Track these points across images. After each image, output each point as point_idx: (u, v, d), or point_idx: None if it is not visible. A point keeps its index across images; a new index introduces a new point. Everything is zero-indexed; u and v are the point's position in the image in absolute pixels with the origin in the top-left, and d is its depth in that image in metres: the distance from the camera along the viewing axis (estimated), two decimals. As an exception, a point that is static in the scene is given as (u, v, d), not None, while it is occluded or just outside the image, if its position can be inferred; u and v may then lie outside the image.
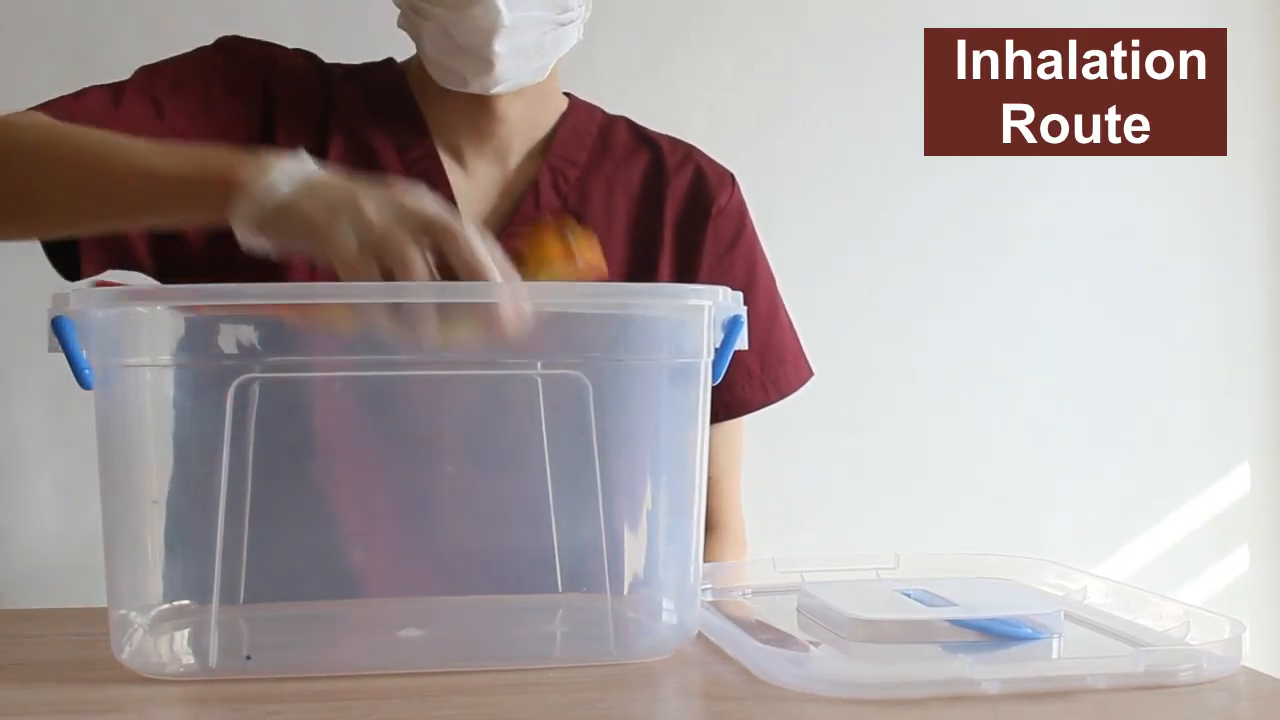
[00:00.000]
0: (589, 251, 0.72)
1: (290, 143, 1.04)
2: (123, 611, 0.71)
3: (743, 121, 1.73)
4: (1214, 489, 1.86)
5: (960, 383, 1.79)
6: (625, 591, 0.74)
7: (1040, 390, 1.81)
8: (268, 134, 1.04)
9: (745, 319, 0.73)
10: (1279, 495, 1.87)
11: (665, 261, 1.11)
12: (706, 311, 0.72)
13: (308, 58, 1.11)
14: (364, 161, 1.06)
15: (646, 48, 1.70)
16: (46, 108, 0.97)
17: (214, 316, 0.68)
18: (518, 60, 1.00)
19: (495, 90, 1.02)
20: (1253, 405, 1.87)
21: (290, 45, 1.13)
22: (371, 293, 0.68)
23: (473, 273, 0.69)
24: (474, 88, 1.02)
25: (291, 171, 0.74)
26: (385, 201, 0.71)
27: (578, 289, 0.76)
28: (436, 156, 1.07)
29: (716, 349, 0.73)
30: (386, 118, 1.08)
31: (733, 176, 1.16)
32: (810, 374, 1.19)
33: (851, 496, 1.76)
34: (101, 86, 1.01)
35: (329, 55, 1.16)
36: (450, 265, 0.69)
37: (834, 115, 1.76)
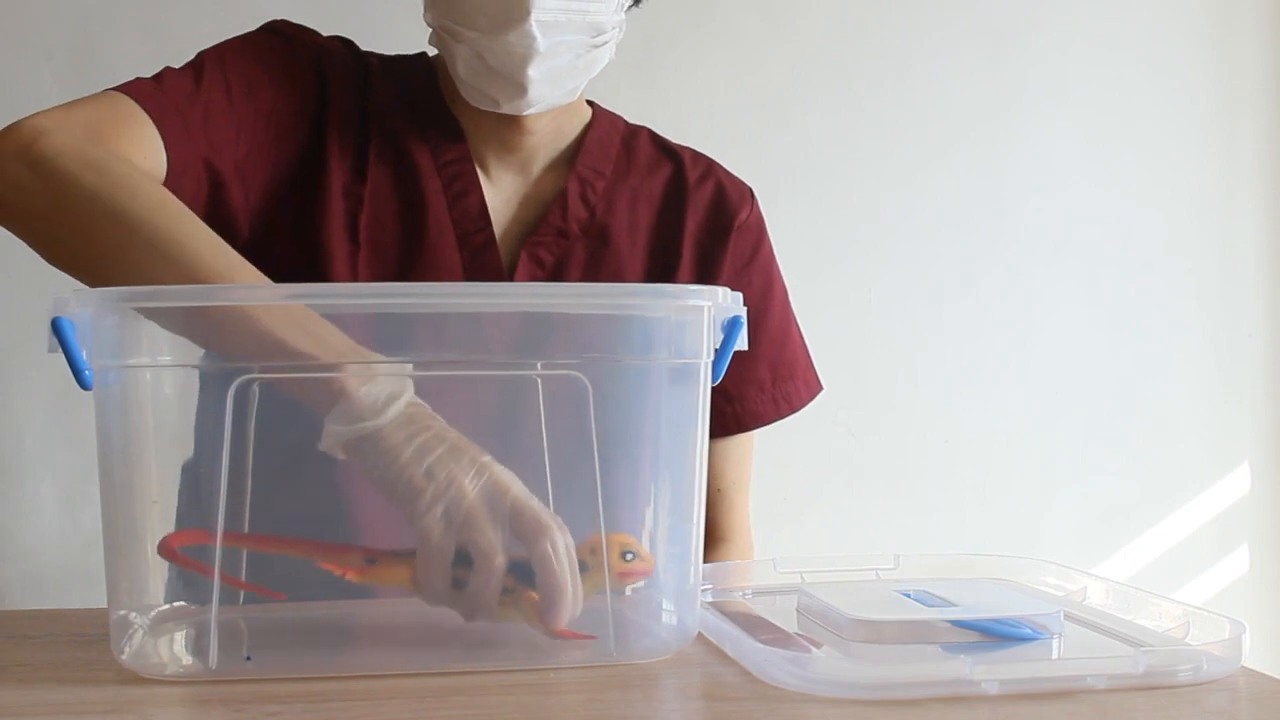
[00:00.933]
0: (643, 562, 0.73)
1: (340, 127, 1.05)
2: (123, 612, 0.71)
3: (741, 123, 1.73)
4: (1214, 489, 1.86)
5: (960, 384, 1.80)
6: (625, 592, 0.74)
7: (1040, 391, 1.82)
8: (320, 118, 1.04)
9: (745, 320, 0.73)
10: (1279, 495, 1.87)
11: (683, 275, 1.11)
12: (706, 312, 0.72)
13: (346, 44, 1.11)
14: (400, 163, 1.06)
15: (645, 50, 1.70)
16: (129, 89, 0.96)
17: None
18: (550, 84, 0.99)
19: (528, 112, 1.02)
20: (1252, 405, 1.87)
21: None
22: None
23: (550, 575, 0.69)
24: (506, 110, 1.02)
25: (394, 393, 0.71)
26: (479, 473, 0.70)
27: (578, 290, 0.76)
28: (470, 161, 1.07)
29: (716, 350, 0.73)
30: (421, 118, 1.08)
31: (752, 192, 1.17)
32: (819, 388, 1.20)
33: (851, 498, 1.77)
34: (177, 70, 1.00)
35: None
36: (530, 559, 0.69)
37: (833, 117, 1.77)
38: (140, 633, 0.71)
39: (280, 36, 1.07)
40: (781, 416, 1.17)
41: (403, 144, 1.07)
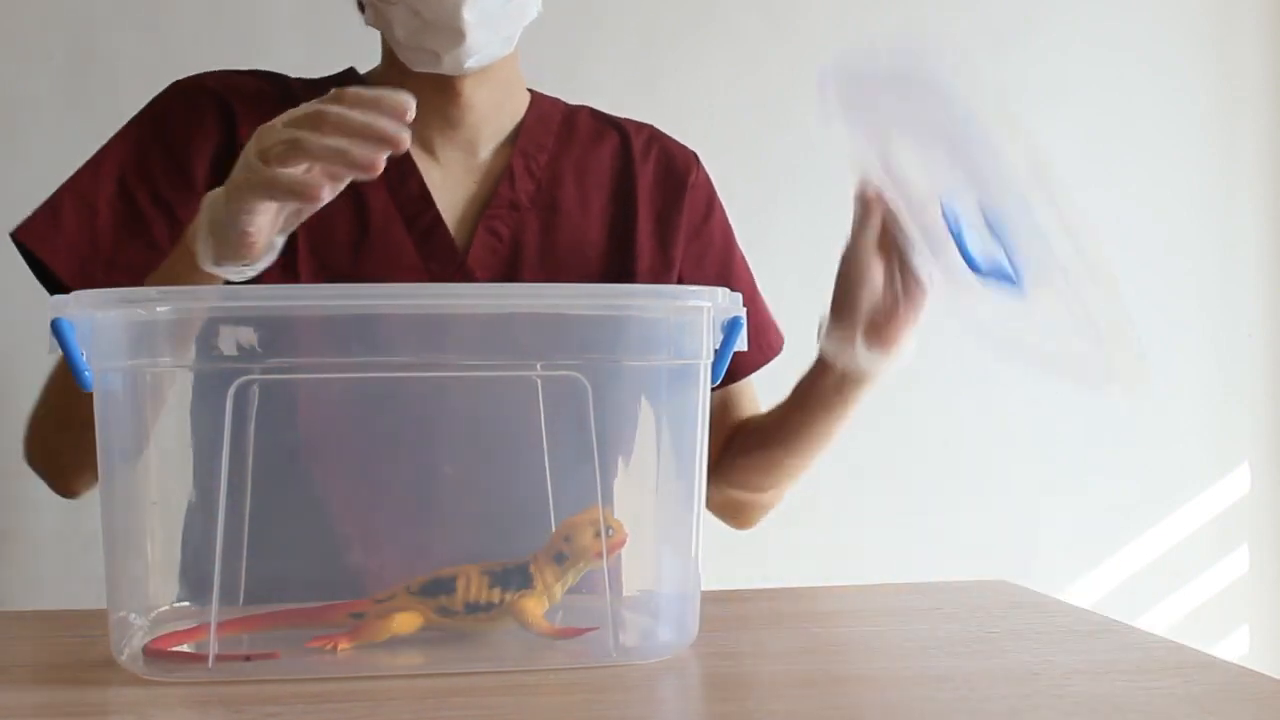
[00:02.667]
0: (620, 533, 0.73)
1: None
2: (122, 613, 0.71)
3: (741, 123, 1.73)
4: (1214, 489, 1.86)
5: (959, 383, 1.79)
6: (624, 593, 0.74)
7: (1039, 391, 1.81)
8: (229, 152, 1.06)
9: (745, 320, 0.73)
10: (1279, 495, 1.87)
11: (643, 237, 1.13)
12: (706, 313, 0.72)
13: (266, 77, 1.13)
14: None
15: (644, 52, 1.70)
16: (26, 233, 1.03)
17: (214, 318, 0.69)
18: (486, 29, 1.01)
19: (468, 64, 1.03)
20: (1252, 405, 1.87)
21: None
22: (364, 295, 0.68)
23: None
24: (447, 64, 1.03)
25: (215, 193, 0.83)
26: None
27: (577, 290, 0.76)
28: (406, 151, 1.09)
29: (716, 350, 0.73)
30: None
31: (696, 156, 1.20)
32: (783, 338, 1.23)
33: (849, 497, 1.76)
34: (73, 194, 1.05)
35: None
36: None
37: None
38: (140, 634, 0.71)
39: (177, 95, 1.10)
40: (766, 361, 1.21)
41: None
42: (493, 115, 1.12)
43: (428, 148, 1.10)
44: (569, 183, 1.14)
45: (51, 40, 1.60)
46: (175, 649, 0.70)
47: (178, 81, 1.11)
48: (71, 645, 0.77)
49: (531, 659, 0.72)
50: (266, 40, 1.57)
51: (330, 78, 1.14)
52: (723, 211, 1.21)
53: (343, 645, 0.71)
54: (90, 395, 0.90)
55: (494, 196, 1.10)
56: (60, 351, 0.67)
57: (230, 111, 1.08)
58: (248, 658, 0.69)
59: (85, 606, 0.85)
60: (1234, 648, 1.79)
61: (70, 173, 1.05)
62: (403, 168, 1.08)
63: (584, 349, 0.72)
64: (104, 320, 0.68)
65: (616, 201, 1.14)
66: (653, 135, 1.19)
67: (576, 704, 0.65)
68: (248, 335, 0.69)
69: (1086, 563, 1.78)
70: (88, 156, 1.06)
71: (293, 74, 1.15)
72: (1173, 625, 1.78)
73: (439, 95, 1.08)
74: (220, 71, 1.12)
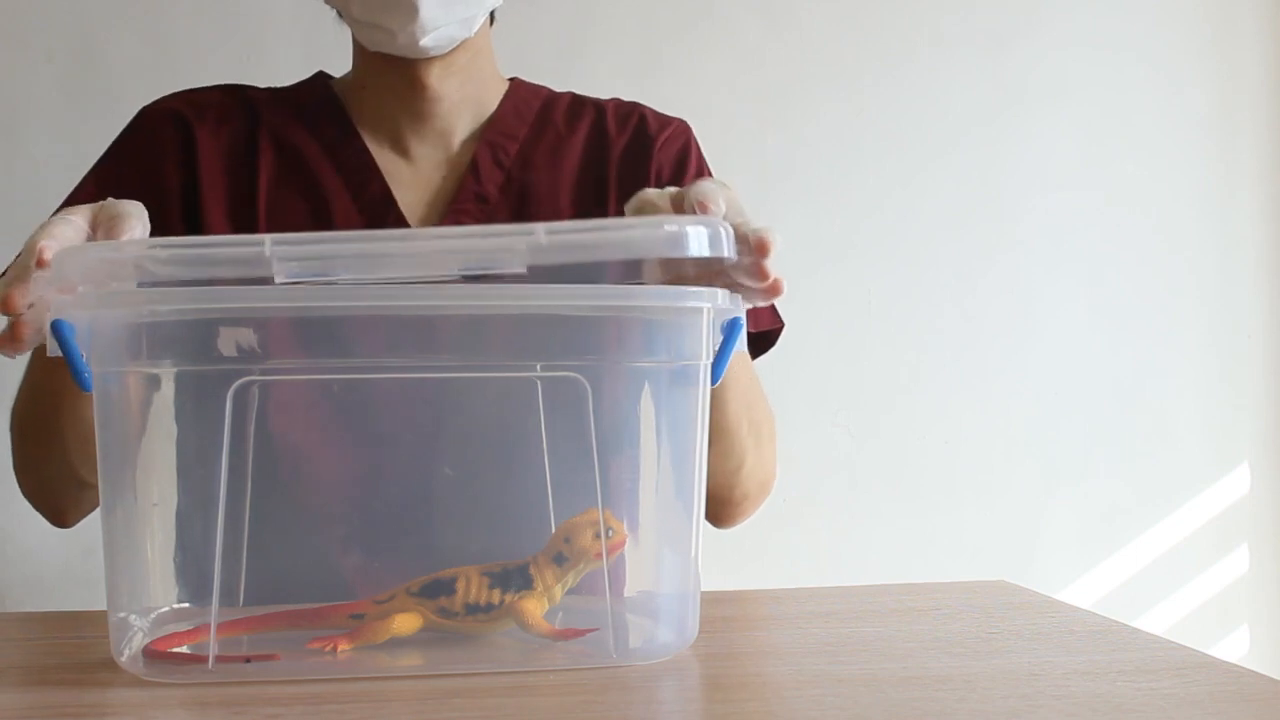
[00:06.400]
0: (620, 534, 0.73)
1: (213, 169, 1.06)
2: (122, 614, 0.71)
3: (741, 123, 1.73)
4: (1214, 489, 1.86)
5: (959, 384, 1.80)
6: (625, 594, 0.74)
7: (1039, 391, 1.82)
8: (192, 176, 1.06)
9: (744, 321, 0.73)
10: (1279, 495, 1.87)
11: (611, 205, 1.11)
12: (705, 313, 0.72)
13: (229, 90, 1.13)
14: (295, 166, 1.08)
15: (643, 51, 1.70)
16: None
17: (213, 319, 0.69)
18: (440, 6, 1.00)
19: (423, 41, 1.02)
20: (1252, 405, 1.87)
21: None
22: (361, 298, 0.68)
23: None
24: (402, 42, 1.02)
25: None
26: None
27: (576, 291, 0.76)
28: (367, 151, 1.09)
29: (716, 351, 0.73)
30: (316, 124, 1.10)
31: (683, 122, 1.17)
32: (781, 323, 1.16)
33: (851, 498, 1.77)
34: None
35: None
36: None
37: (833, 117, 1.77)
38: (140, 635, 0.71)
39: (137, 131, 1.10)
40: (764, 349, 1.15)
41: (297, 149, 1.09)
42: (465, 107, 1.11)
43: (399, 145, 1.10)
44: (541, 167, 1.12)
45: (51, 40, 1.60)
46: (175, 650, 0.70)
47: (143, 108, 1.12)
48: (71, 646, 0.77)
49: (531, 660, 0.72)
50: (266, 40, 1.57)
51: (300, 84, 1.14)
52: (702, 160, 1.16)
53: (342, 647, 0.71)
54: (67, 399, 0.90)
55: (460, 190, 1.10)
56: (60, 352, 0.67)
57: (187, 123, 1.09)
58: (248, 659, 0.69)
59: (85, 608, 0.85)
60: (1234, 648, 1.79)
61: (67, 172, 1.05)
62: (364, 173, 1.08)
63: (584, 349, 0.72)
64: (104, 321, 0.68)
65: (588, 180, 1.12)
66: (634, 108, 1.16)
67: (576, 705, 0.65)
68: (247, 336, 0.69)
69: (1086, 563, 1.78)
70: (87, 156, 1.07)
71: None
72: (1173, 625, 1.78)
73: (407, 88, 1.08)
74: (185, 91, 1.13)
